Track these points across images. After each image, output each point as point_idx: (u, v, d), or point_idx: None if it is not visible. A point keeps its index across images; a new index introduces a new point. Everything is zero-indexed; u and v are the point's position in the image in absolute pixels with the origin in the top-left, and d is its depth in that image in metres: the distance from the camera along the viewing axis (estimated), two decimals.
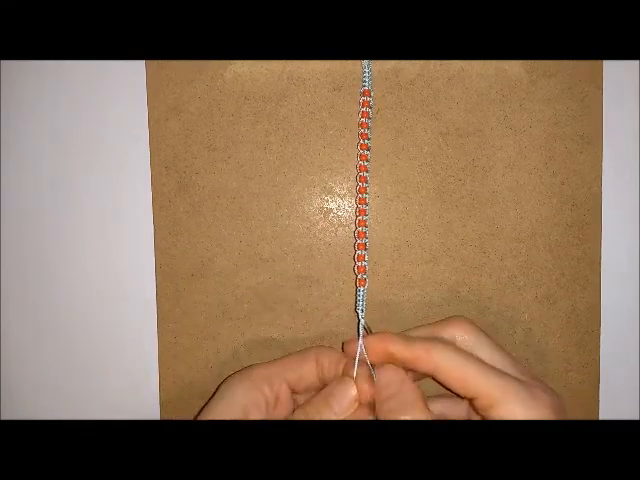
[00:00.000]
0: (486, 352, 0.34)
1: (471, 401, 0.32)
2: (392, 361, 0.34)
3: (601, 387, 0.41)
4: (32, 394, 0.42)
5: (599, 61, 0.39)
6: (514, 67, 0.39)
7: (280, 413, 0.35)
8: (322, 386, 0.35)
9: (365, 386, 0.33)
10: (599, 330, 0.40)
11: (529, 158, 0.40)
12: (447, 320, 0.36)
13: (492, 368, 0.32)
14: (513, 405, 0.30)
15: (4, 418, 0.42)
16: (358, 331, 0.36)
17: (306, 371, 0.35)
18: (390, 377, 0.33)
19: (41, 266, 0.41)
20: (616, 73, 0.40)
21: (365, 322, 0.36)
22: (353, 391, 0.33)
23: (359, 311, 0.37)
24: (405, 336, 0.34)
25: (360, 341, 0.34)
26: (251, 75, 0.40)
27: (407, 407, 0.32)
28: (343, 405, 0.33)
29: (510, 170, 0.40)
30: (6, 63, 0.41)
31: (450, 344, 0.33)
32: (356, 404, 0.33)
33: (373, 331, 0.36)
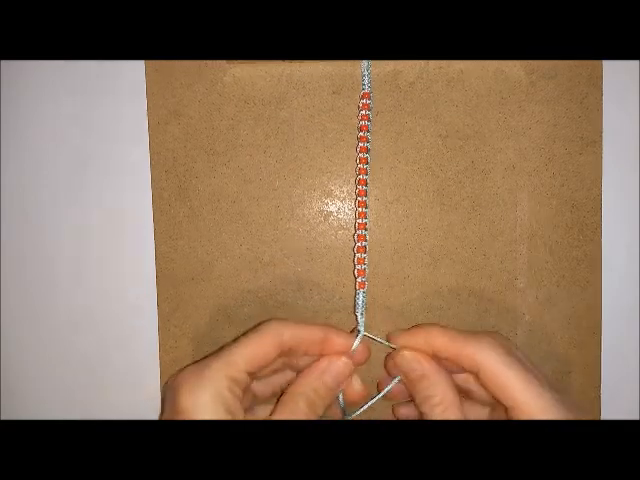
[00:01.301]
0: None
1: (505, 408, 0.32)
2: (432, 355, 0.34)
3: (602, 387, 0.41)
4: (33, 395, 0.42)
5: (599, 62, 0.39)
6: (513, 69, 0.39)
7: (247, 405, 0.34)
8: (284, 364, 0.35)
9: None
10: (600, 331, 0.40)
11: (528, 160, 0.40)
12: (480, 334, 0.34)
13: (536, 380, 0.31)
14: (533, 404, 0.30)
15: (4, 418, 0.42)
16: (357, 334, 0.36)
17: (266, 355, 0.32)
18: (417, 359, 0.34)
19: (42, 270, 0.41)
20: (616, 73, 0.40)
21: (363, 327, 0.37)
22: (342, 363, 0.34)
23: (358, 314, 0.37)
24: (450, 330, 0.34)
25: (357, 341, 0.35)
26: (251, 79, 0.40)
27: (437, 388, 0.33)
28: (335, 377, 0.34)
29: (510, 172, 0.40)
30: (6, 63, 0.41)
31: (498, 346, 0.32)
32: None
33: (372, 335, 0.37)
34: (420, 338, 0.34)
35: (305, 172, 0.40)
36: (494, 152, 0.40)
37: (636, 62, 0.40)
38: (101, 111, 0.41)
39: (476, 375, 0.33)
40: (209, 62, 0.40)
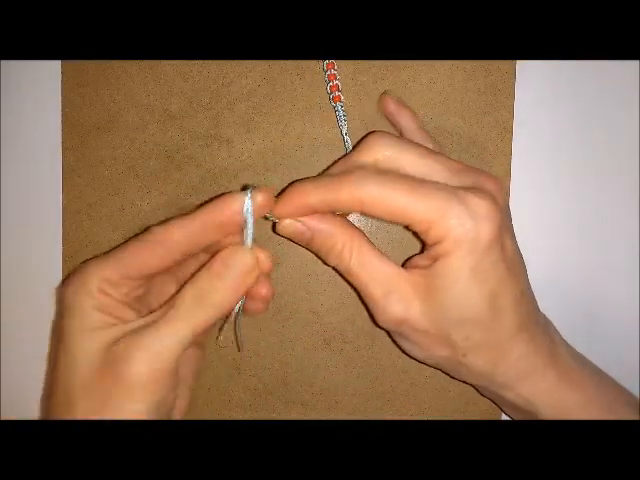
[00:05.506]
0: (413, 161, 0.31)
1: (408, 227, 0.31)
2: (313, 213, 0.32)
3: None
4: (34, 394, 0.42)
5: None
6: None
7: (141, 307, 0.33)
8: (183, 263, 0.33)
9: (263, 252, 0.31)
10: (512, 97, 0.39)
11: None
12: (362, 142, 0.32)
13: (421, 185, 0.30)
14: (448, 224, 0.29)
15: (4, 418, 0.41)
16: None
17: (153, 258, 0.31)
18: (294, 225, 0.32)
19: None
20: (616, 73, 0.40)
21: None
22: (248, 257, 0.31)
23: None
24: (318, 180, 0.31)
25: (248, 200, 0.30)
26: None
27: (333, 237, 0.32)
28: (237, 274, 0.30)
29: None
30: (6, 63, 0.40)
31: (370, 171, 0.30)
32: (255, 272, 0.31)
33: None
34: (295, 202, 0.31)
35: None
36: None
37: (636, 62, 0.39)
38: None
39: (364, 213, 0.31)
40: None
